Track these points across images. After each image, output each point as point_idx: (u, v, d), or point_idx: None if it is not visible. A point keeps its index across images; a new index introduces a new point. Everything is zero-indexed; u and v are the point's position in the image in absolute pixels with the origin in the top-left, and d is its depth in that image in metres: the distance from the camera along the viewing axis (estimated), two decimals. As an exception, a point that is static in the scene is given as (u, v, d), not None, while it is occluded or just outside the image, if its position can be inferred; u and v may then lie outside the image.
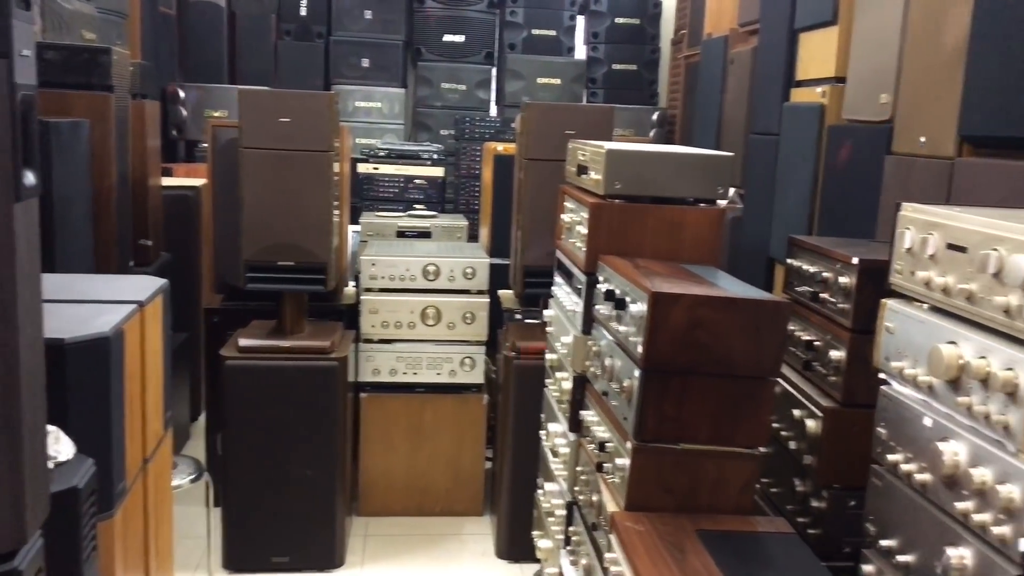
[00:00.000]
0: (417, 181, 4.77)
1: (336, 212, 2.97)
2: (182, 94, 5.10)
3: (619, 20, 5.74)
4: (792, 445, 2.12)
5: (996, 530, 1.37)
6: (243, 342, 2.98)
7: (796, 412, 2.10)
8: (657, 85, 5.90)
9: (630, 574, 1.64)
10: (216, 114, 5.07)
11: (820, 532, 2.02)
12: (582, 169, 2.44)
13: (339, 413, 3.00)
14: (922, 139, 2.52)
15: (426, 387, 3.50)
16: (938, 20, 2.47)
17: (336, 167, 2.95)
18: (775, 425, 2.24)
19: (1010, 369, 1.35)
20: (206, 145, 3.24)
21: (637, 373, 1.82)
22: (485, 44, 5.59)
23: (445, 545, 3.38)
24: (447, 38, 5.55)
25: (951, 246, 1.52)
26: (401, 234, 4.10)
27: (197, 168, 4.52)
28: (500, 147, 3.92)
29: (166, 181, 4.08)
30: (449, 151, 5.17)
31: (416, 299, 3.46)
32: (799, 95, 3.37)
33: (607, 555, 1.80)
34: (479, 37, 5.59)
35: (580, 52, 5.83)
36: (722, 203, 4.04)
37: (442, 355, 3.47)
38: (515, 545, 3.24)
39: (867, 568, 1.73)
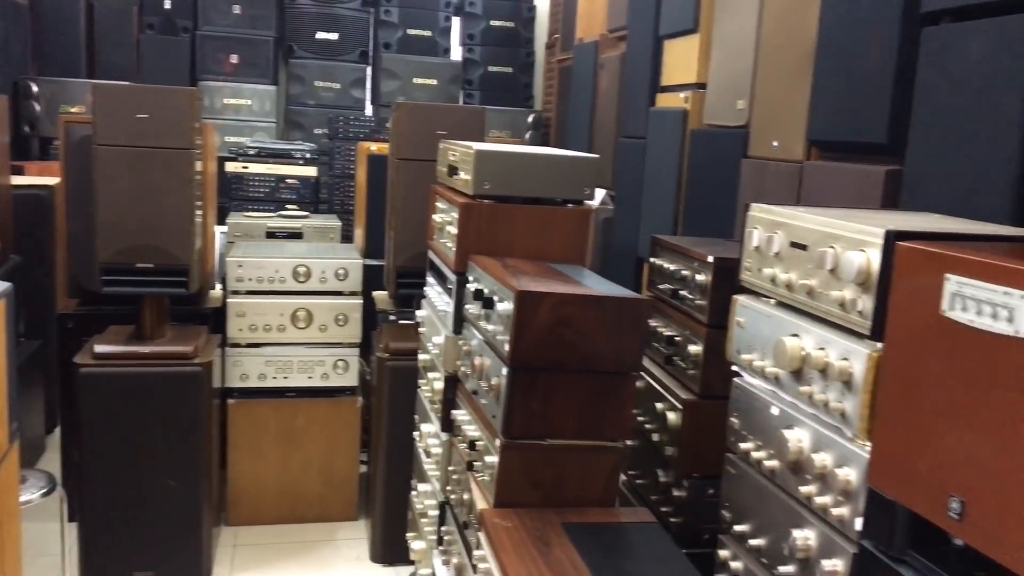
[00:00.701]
0: (289, 181, 4.66)
1: (199, 212, 2.87)
2: (35, 88, 4.82)
3: (494, 23, 5.78)
4: (655, 437, 2.19)
5: (836, 511, 1.45)
6: (99, 348, 2.84)
7: (659, 405, 2.17)
8: (532, 88, 5.98)
9: (497, 570, 1.66)
10: (73, 110, 4.81)
11: (682, 520, 2.10)
12: (452, 169, 2.44)
13: (203, 421, 2.90)
14: (775, 143, 2.66)
15: (297, 391, 3.42)
16: (788, 29, 2.61)
17: (199, 165, 2.85)
18: (640, 418, 2.31)
19: (845, 359, 1.44)
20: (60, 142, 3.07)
21: (505, 371, 1.84)
22: (359, 43, 5.52)
23: (318, 551, 3.31)
24: (320, 35, 5.46)
25: (794, 244, 1.61)
26: (271, 235, 4.00)
27: (51, 166, 4.28)
28: (374, 147, 3.89)
29: (17, 180, 3.85)
30: (323, 150, 5.09)
31: (286, 301, 3.38)
32: (664, 100, 3.48)
33: (476, 552, 1.81)
34: (353, 35, 5.52)
35: (456, 53, 5.84)
36: (592, 204, 4.14)
37: (314, 358, 3.41)
38: (390, 548, 3.21)
39: (723, 553, 1.81)
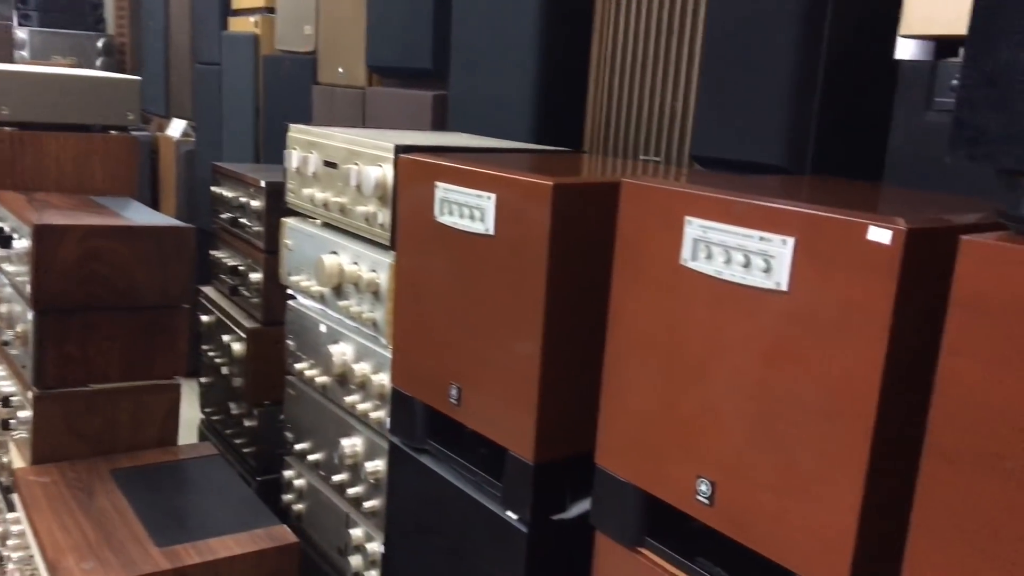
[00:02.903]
0: None
1: None
2: None
3: (49, -67, 5.08)
4: (225, 371, 2.14)
5: (375, 415, 1.53)
6: None
7: (225, 338, 2.12)
8: (103, 10, 5.39)
9: (30, 531, 1.52)
10: None
11: (256, 449, 2.09)
12: (-33, 93, 2.12)
13: None
14: (340, 69, 2.68)
15: None
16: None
17: None
18: (210, 353, 2.24)
19: (374, 271, 1.50)
20: None
21: (31, 315, 1.66)
22: None
23: None
24: None
25: (327, 163, 1.63)
26: None
27: None
28: None
29: None
30: None
31: None
32: (236, 24, 3.33)
33: (8, 515, 1.64)
34: None
35: (4, -34, 5.06)
36: (174, 134, 3.87)
37: None
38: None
39: (287, 473, 1.83)
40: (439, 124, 2.22)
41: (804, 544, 0.85)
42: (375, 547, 1.55)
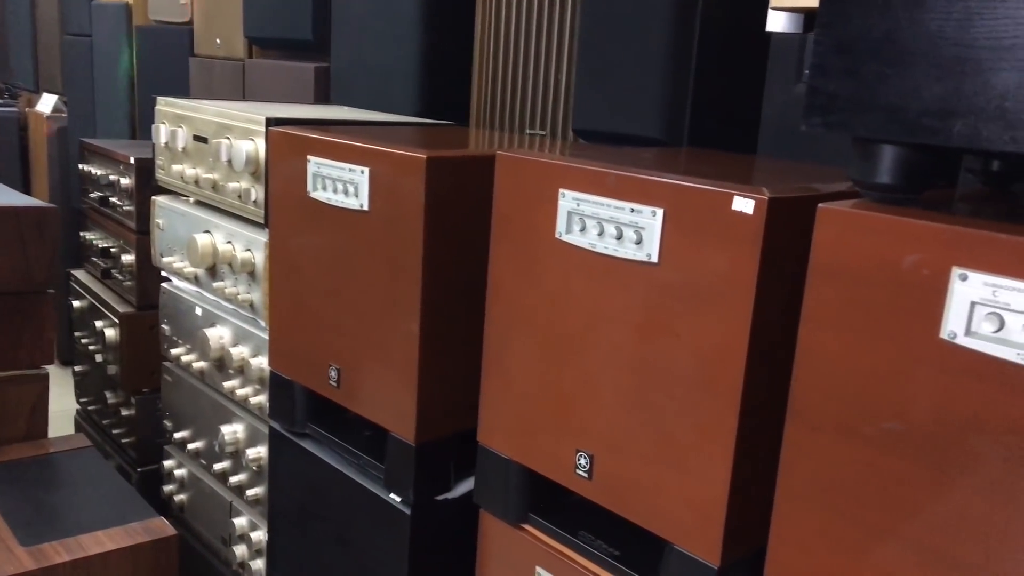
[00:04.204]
0: None
1: None
2: None
3: None
4: (99, 358, 2.03)
5: (255, 400, 1.48)
6: None
7: (99, 323, 2.01)
8: (-37, -24, 5.02)
9: None
10: None
11: (135, 440, 1.99)
12: None
13: None
14: (218, 41, 2.56)
15: None
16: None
17: None
18: (84, 340, 2.12)
19: (248, 250, 1.44)
20: None
21: None
22: None
23: None
24: None
25: (196, 138, 1.56)
26: None
27: None
28: None
29: None
30: None
31: None
32: (107, -7, 3.15)
33: None
34: None
35: None
36: (44, 110, 3.65)
37: None
38: None
39: (168, 463, 1.76)
40: (322, 98, 2.15)
41: (678, 514, 0.85)
42: (260, 536, 1.50)
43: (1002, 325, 0.60)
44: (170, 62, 2.80)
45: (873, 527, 0.69)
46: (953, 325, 0.62)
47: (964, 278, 0.61)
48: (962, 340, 0.62)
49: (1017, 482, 0.60)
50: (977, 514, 0.62)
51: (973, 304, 0.61)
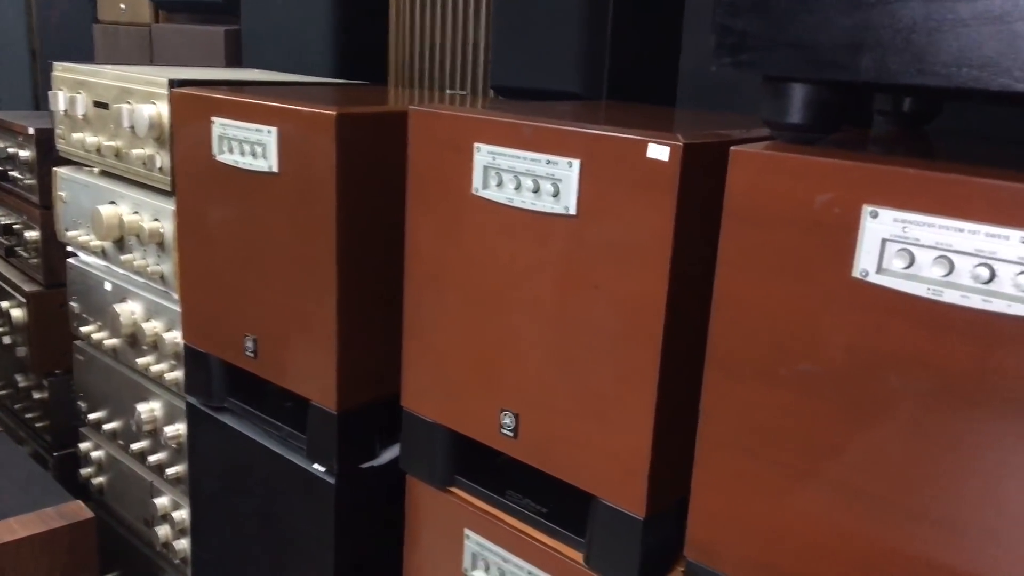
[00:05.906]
0: None
1: None
2: None
3: None
4: (7, 340, 1.94)
5: (170, 376, 1.42)
6: None
7: (4, 304, 1.91)
8: None
9: None
10: None
11: (49, 423, 1.92)
12: None
13: None
14: (122, 6, 2.45)
15: None
16: None
17: None
18: (-11, 323, 2.02)
19: (157, 220, 1.38)
20: None
21: None
22: None
23: None
24: None
25: (97, 104, 1.48)
26: None
27: None
28: None
29: None
30: None
31: None
32: (-1, -44, 2.98)
33: None
34: None
35: None
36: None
37: None
38: None
39: (84, 445, 1.69)
40: (234, 62, 2.07)
41: (603, 467, 0.84)
42: (182, 515, 1.45)
43: (912, 261, 0.60)
44: (71, 28, 2.68)
45: (793, 469, 0.69)
46: (865, 263, 0.62)
47: (875, 215, 0.61)
48: (874, 278, 0.62)
49: (930, 416, 0.61)
50: (894, 451, 0.63)
51: (884, 241, 0.61)
